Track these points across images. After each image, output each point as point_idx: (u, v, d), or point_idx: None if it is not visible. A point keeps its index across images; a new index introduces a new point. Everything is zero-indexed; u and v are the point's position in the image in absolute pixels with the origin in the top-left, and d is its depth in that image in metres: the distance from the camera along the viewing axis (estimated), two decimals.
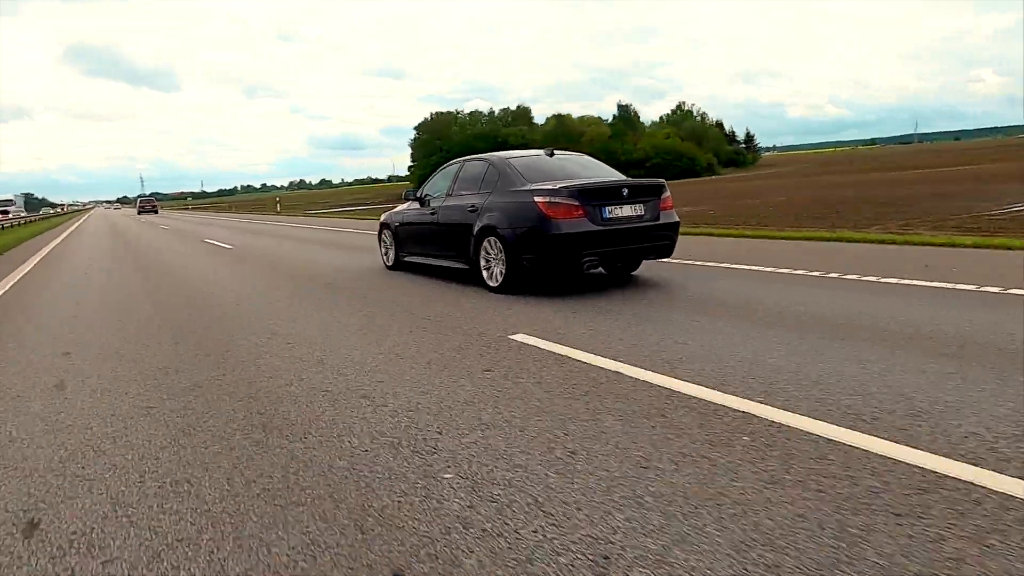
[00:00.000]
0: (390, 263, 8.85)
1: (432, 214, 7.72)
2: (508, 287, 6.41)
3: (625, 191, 6.30)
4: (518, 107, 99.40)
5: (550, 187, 6.19)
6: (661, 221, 6.47)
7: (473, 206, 6.90)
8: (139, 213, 52.14)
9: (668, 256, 6.78)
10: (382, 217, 9.38)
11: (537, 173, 6.74)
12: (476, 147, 70.34)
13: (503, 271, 6.44)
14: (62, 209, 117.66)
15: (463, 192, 7.32)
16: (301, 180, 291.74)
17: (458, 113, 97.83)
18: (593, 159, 7.74)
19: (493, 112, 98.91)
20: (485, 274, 6.68)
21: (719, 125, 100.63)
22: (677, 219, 6.70)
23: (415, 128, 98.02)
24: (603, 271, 7.27)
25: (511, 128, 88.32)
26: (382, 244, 9.16)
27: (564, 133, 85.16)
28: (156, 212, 54.12)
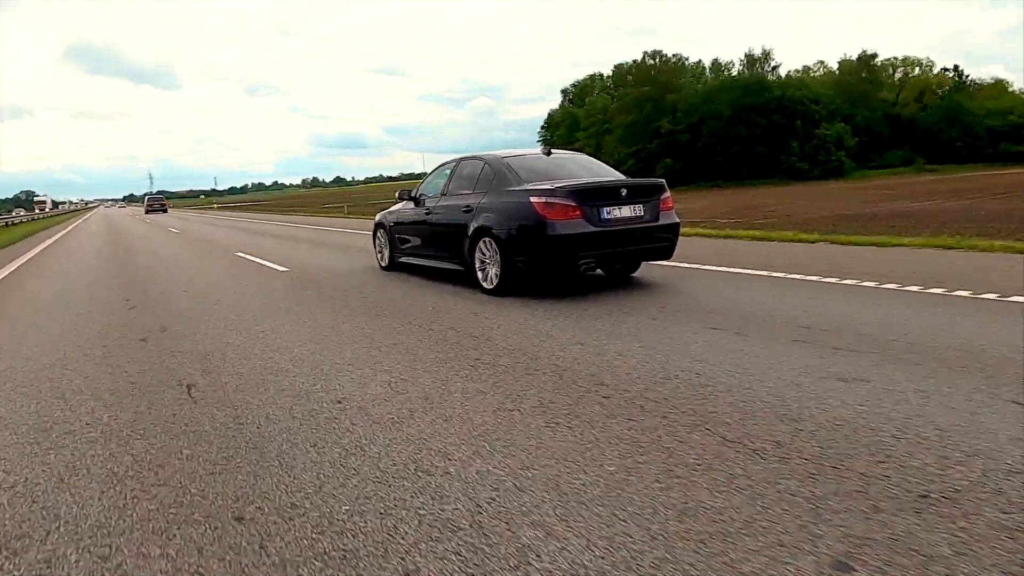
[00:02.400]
0: (385, 264, 8.57)
1: (427, 214, 7.51)
2: (503, 289, 6.20)
3: (624, 191, 6.08)
4: (755, 53, 65.61)
5: (546, 187, 5.99)
6: (661, 222, 6.24)
7: (468, 206, 6.69)
8: (147, 212, 52.30)
9: (668, 258, 6.54)
10: (376, 217, 9.09)
11: (534, 173, 6.54)
12: (717, 110, 52.74)
13: (498, 273, 6.23)
14: (40, 210, 76.49)
15: (458, 192, 7.11)
16: (315, 178, 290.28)
17: (682, 63, 64.65)
18: (592, 158, 7.52)
19: (702, 61, 68.24)
20: (480, 276, 6.47)
21: None
22: (677, 220, 6.46)
23: (593, 80, 68.99)
24: (601, 272, 7.04)
25: (779, 79, 59.02)
26: (376, 245, 8.87)
27: (873, 81, 59.13)
28: (165, 211, 54.41)
